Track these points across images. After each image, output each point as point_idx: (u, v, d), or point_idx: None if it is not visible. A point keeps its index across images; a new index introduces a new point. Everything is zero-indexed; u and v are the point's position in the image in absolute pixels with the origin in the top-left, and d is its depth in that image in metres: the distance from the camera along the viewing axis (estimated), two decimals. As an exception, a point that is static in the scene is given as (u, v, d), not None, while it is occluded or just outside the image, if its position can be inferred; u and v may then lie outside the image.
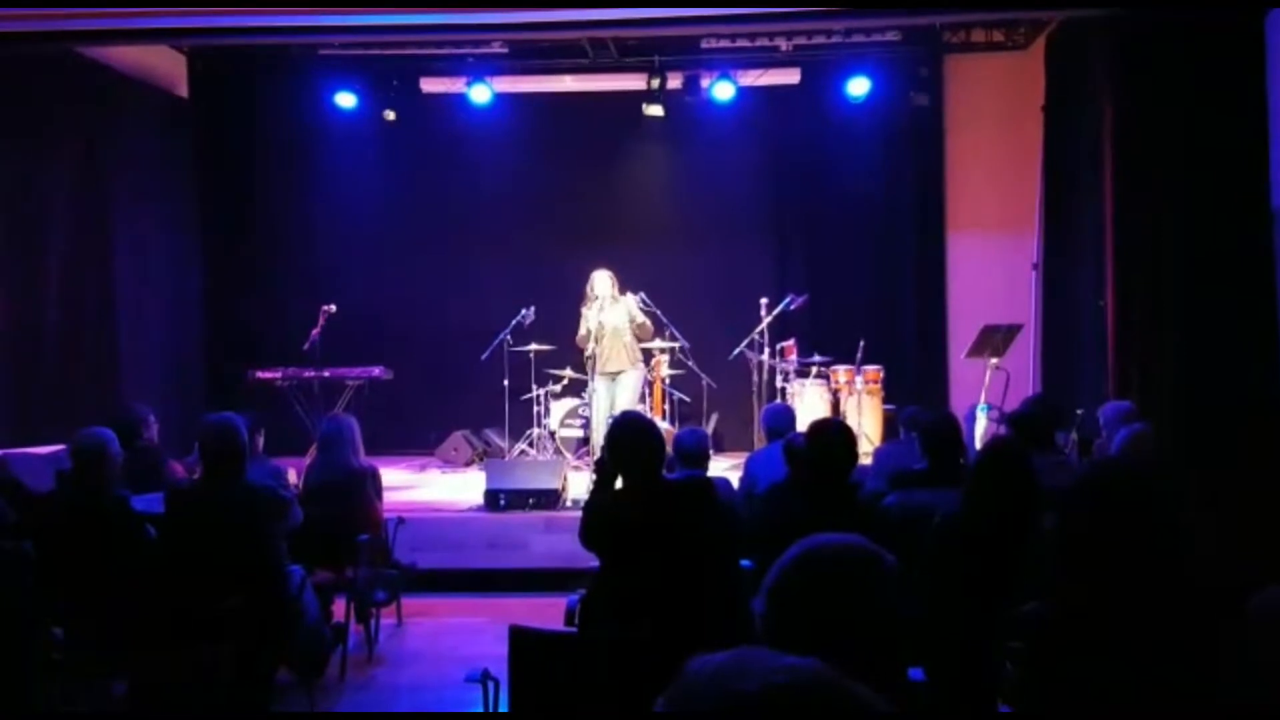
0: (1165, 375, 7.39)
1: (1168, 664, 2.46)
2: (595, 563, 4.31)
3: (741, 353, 9.77)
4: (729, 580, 4.21)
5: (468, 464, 10.49)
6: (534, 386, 9.94)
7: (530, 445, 10.04)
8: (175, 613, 4.59)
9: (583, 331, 9.30)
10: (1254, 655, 1.99)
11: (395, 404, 10.43)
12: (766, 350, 9.71)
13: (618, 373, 8.95)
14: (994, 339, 9.16)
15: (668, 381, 10.11)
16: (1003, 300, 10.24)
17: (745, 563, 4.59)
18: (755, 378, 9.75)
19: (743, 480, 6.43)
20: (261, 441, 6.41)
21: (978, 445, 7.60)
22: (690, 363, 10.14)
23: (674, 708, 1.18)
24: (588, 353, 9.01)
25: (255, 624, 4.61)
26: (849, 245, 11.22)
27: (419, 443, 11.01)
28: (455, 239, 11.47)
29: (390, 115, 11.28)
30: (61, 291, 9.02)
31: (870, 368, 9.74)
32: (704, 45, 10.70)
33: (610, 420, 8.75)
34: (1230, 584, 2.61)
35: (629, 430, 4.24)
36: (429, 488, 9.68)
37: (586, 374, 9.55)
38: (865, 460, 6.94)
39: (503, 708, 3.53)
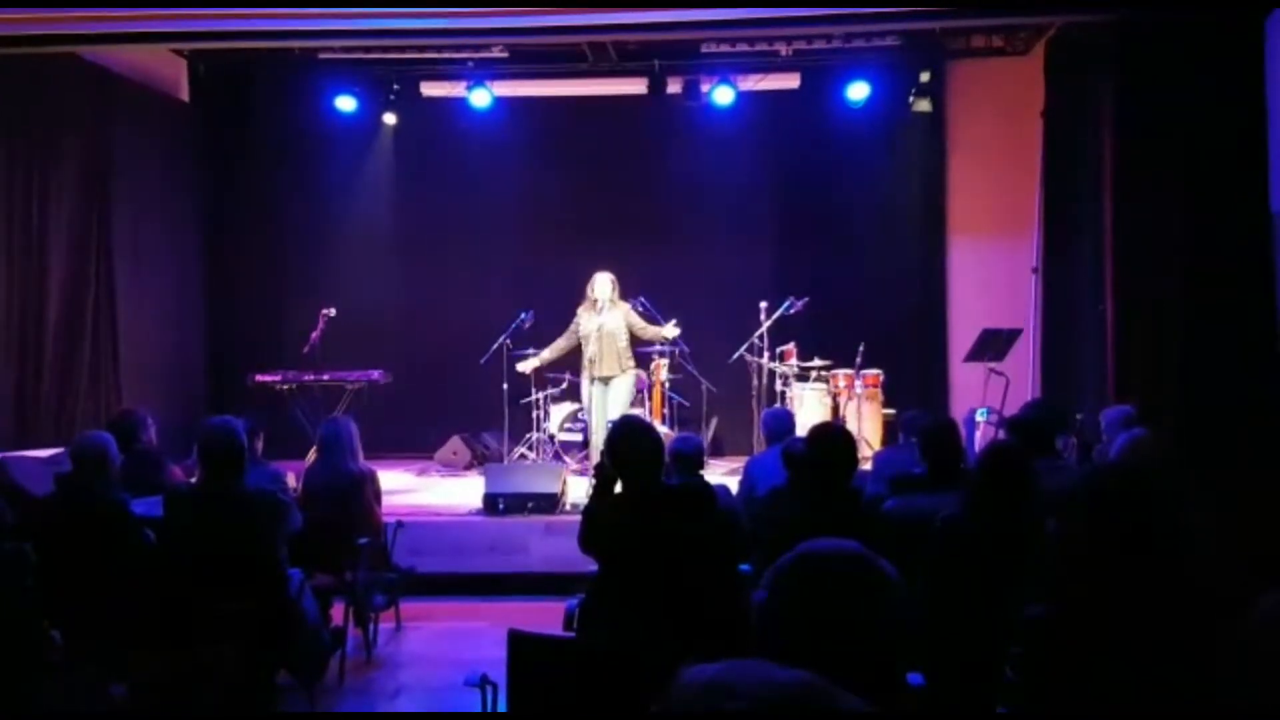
0: (1165, 379, 7.39)
1: (1169, 667, 2.46)
2: (594, 567, 4.30)
3: (741, 357, 9.77)
4: (728, 585, 4.21)
5: (467, 468, 10.48)
6: (533, 390, 9.94)
7: (529, 449, 10.04)
8: (174, 616, 4.59)
9: (574, 329, 9.15)
10: (1256, 659, 1.98)
11: (394, 407, 10.43)
12: (766, 354, 9.71)
13: (609, 378, 8.92)
14: (994, 343, 9.16)
15: (667, 385, 10.10)
16: (1003, 304, 10.24)
17: (744, 566, 4.59)
18: (755, 382, 9.75)
19: (742, 484, 6.42)
20: (261, 445, 6.41)
21: (977, 449, 7.59)
22: (690, 366, 10.14)
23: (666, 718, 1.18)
24: (588, 354, 8.97)
25: (254, 627, 4.61)
26: (849, 249, 11.21)
27: (418, 446, 11.00)
28: (455, 242, 11.48)
29: (390, 119, 11.31)
30: (61, 294, 9.03)
31: (870, 372, 9.74)
32: (704, 50, 10.71)
33: (606, 425, 8.81)
34: (1231, 587, 2.61)
35: (627, 433, 4.24)
36: (428, 491, 9.67)
37: (580, 378, 9.45)
38: (865, 465, 6.94)
39: (501, 711, 3.52)
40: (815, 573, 1.78)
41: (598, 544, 4.19)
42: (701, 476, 5.65)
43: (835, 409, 9.73)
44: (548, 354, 9.27)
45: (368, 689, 5.77)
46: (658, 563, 3.98)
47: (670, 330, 9.01)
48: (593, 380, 8.91)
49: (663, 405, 10.04)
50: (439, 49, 10.61)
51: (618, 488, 4.22)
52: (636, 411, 9.63)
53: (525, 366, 9.42)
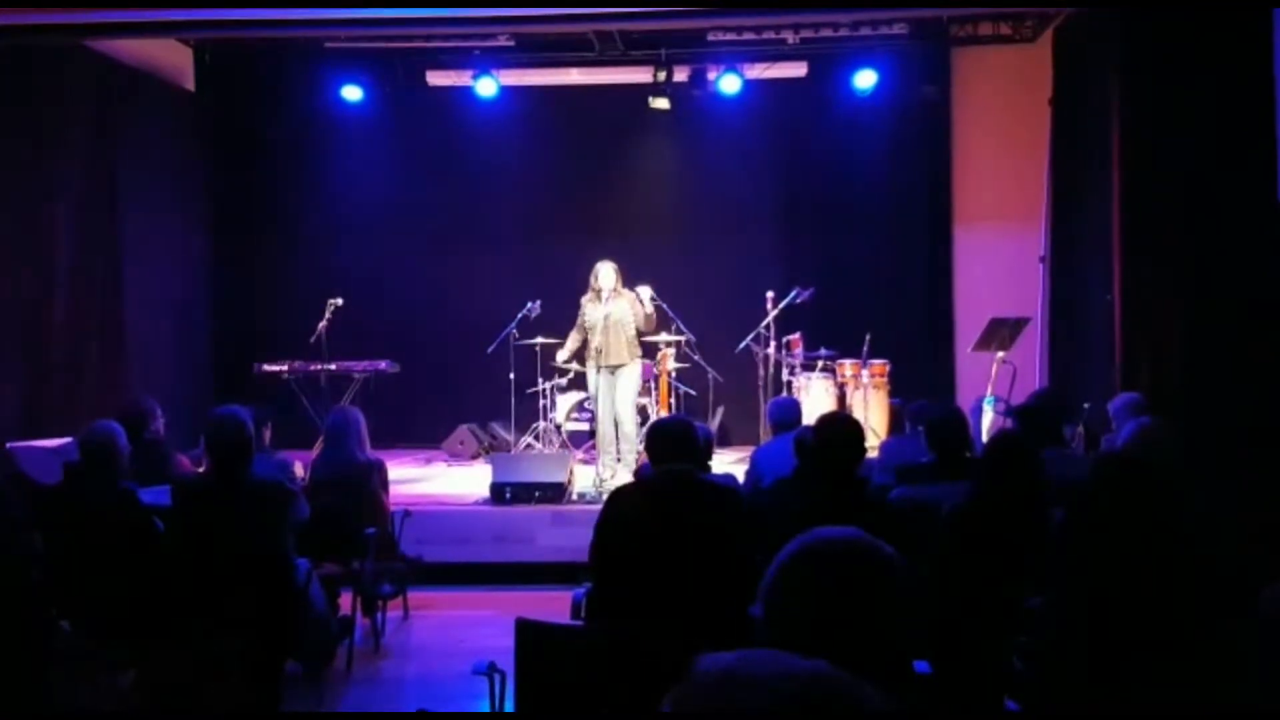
0: (1172, 368, 7.37)
1: (1174, 655, 2.46)
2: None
3: (747, 346, 9.76)
4: (738, 576, 4.21)
5: (474, 457, 10.49)
6: (540, 380, 9.94)
7: (536, 439, 10.05)
8: (182, 605, 4.60)
9: (583, 326, 9.08)
10: (1262, 650, 1.98)
11: (401, 397, 10.44)
12: (772, 344, 9.70)
13: (618, 366, 8.90)
14: (1001, 332, 9.14)
15: (674, 375, 10.10)
16: (1010, 293, 10.22)
17: (750, 556, 4.59)
18: (761, 371, 9.74)
19: (749, 474, 6.43)
20: (268, 434, 6.42)
21: (984, 439, 7.58)
22: (696, 356, 10.13)
23: (682, 710, 1.17)
24: (594, 343, 8.94)
25: (262, 616, 4.62)
26: (855, 238, 11.20)
27: (425, 436, 11.02)
28: (461, 232, 11.48)
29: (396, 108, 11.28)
30: (70, 285, 9.04)
31: (876, 361, 9.73)
32: (710, 38, 10.69)
33: (612, 416, 8.81)
34: (1238, 578, 2.60)
35: (662, 430, 4.33)
36: (435, 481, 9.69)
37: (586, 368, 9.39)
38: (872, 454, 6.93)
39: (509, 700, 3.53)
40: (818, 561, 1.77)
41: (615, 531, 4.18)
42: (710, 467, 5.67)
43: (841, 398, 9.72)
44: (571, 346, 9.18)
45: (375, 678, 5.78)
46: (670, 552, 3.98)
47: (644, 290, 8.96)
48: (600, 369, 8.88)
49: (669, 395, 10.04)
50: (445, 38, 10.61)
51: (628, 478, 4.23)
52: (644, 401, 9.63)
53: (562, 357, 9.36)
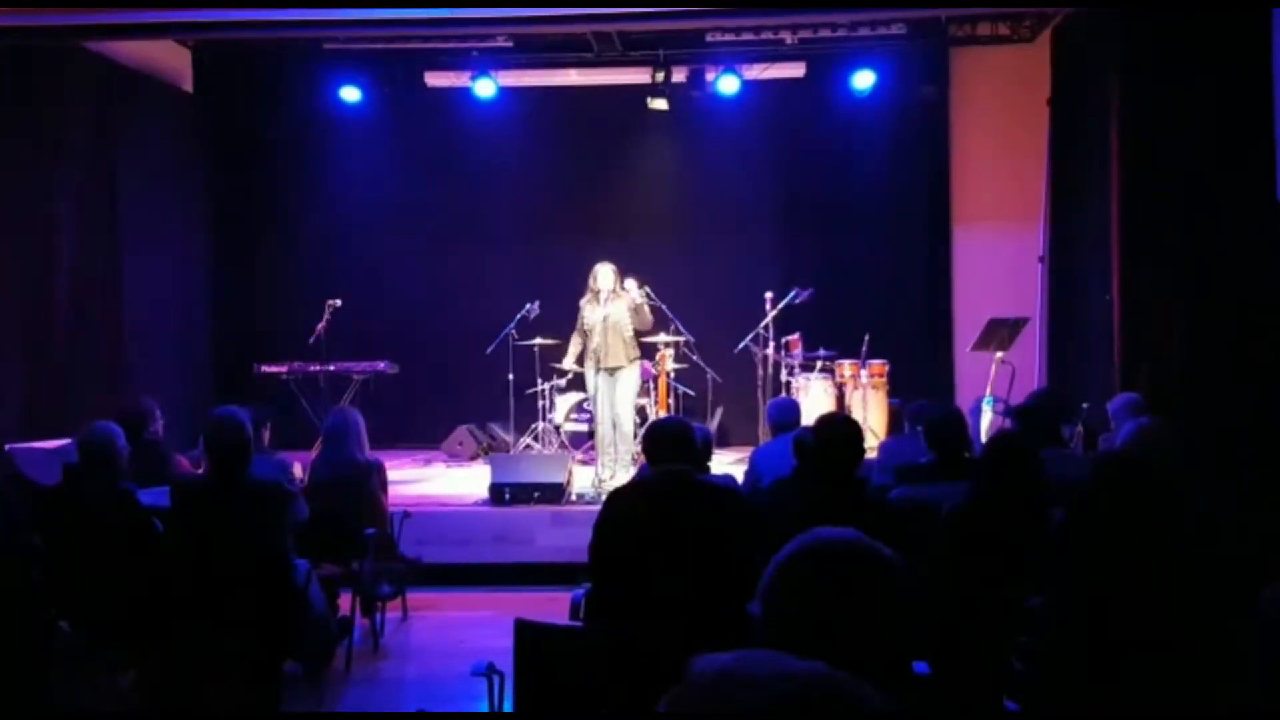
0: (1172, 368, 7.38)
1: (1175, 658, 2.46)
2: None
3: (746, 347, 9.76)
4: (738, 577, 4.21)
5: (473, 458, 10.49)
6: (539, 380, 9.94)
7: (535, 439, 10.05)
8: (182, 606, 4.60)
9: (582, 328, 9.05)
10: (1262, 650, 1.98)
11: (401, 398, 10.44)
12: (771, 344, 9.70)
13: (616, 368, 8.88)
14: (1000, 332, 9.15)
15: (673, 376, 10.10)
16: (1009, 293, 10.23)
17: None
18: (760, 372, 9.74)
19: (748, 475, 6.43)
20: (267, 435, 6.41)
21: (983, 439, 7.59)
22: (695, 357, 10.13)
23: (679, 710, 1.16)
24: (593, 345, 8.92)
25: (262, 617, 4.62)
26: (854, 239, 11.20)
27: (424, 437, 11.02)
28: (460, 233, 11.48)
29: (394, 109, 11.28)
30: (69, 286, 9.04)
31: (875, 362, 9.73)
32: (709, 39, 10.69)
33: (611, 417, 8.80)
34: (1238, 578, 2.60)
35: (659, 431, 4.32)
36: (434, 482, 9.69)
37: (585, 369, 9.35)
38: (871, 454, 6.93)
39: (508, 701, 3.53)
40: (818, 562, 1.77)
41: (614, 533, 4.18)
42: (709, 467, 5.67)
43: (840, 399, 9.73)
44: (573, 351, 9.12)
45: (374, 678, 5.78)
46: (669, 553, 3.98)
47: (632, 284, 8.95)
48: (598, 371, 8.86)
49: (668, 395, 10.04)
50: (443, 39, 10.61)
51: (629, 477, 4.23)
52: (643, 402, 9.63)
53: (567, 362, 9.33)
